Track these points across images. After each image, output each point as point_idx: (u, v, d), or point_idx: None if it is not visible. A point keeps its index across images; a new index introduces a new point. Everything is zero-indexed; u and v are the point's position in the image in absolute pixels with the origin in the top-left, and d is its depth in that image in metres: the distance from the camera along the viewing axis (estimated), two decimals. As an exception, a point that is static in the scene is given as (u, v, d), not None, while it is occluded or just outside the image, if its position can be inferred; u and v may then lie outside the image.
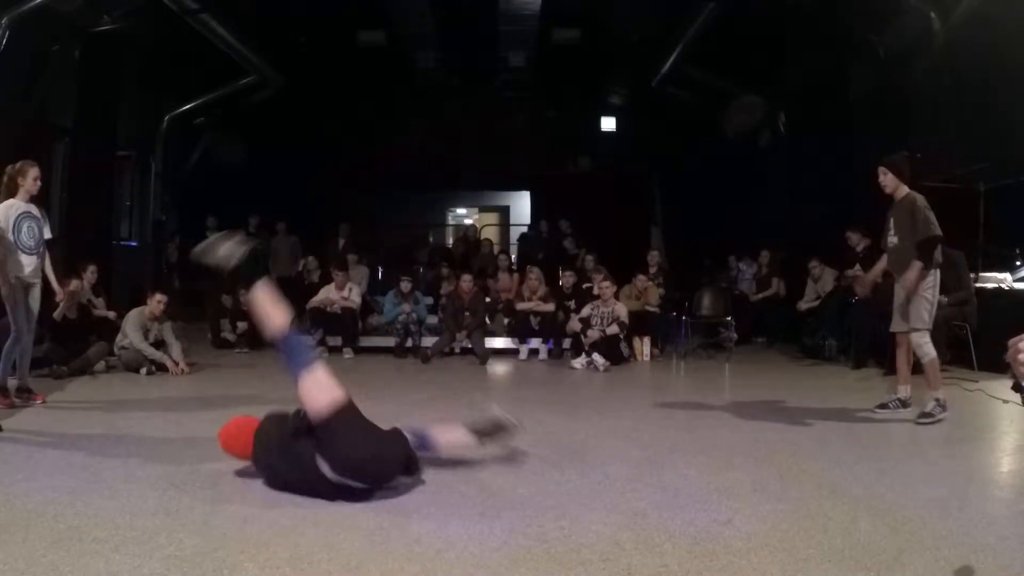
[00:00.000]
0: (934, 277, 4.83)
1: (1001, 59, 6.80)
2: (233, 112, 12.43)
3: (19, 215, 5.06)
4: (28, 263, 5.09)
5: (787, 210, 11.02)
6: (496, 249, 11.63)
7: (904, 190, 4.92)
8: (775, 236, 10.66)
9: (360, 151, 13.80)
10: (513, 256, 11.93)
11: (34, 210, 5.19)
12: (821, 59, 9.89)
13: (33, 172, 5.10)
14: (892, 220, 4.99)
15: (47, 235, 5.32)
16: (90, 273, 7.72)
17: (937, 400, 4.72)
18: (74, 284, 6.89)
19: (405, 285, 8.85)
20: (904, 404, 4.97)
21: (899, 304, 4.93)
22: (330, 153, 13.58)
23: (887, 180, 4.92)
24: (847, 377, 6.93)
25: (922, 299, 4.77)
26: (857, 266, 8.14)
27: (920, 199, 4.82)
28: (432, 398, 5.96)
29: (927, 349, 4.76)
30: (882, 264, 5.18)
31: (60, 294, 5.92)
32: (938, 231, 4.73)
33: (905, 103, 8.41)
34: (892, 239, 4.99)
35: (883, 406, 5.04)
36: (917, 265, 4.73)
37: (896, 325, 4.99)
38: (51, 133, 8.95)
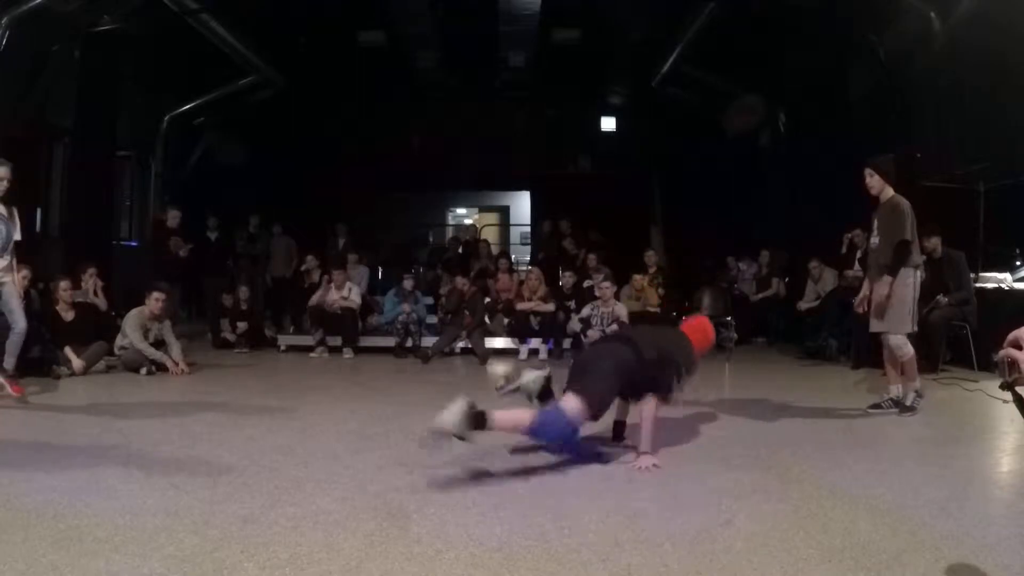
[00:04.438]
0: (913, 277, 4.82)
1: (1001, 59, 6.79)
2: (233, 112, 12.42)
3: None
4: None
5: (787, 210, 11.02)
6: (496, 250, 11.62)
7: (889, 192, 4.90)
8: (775, 236, 10.66)
9: (360, 151, 13.78)
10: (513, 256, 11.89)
11: (3, 210, 5.13)
12: (821, 59, 9.89)
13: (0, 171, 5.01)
14: (876, 222, 5.01)
15: (16, 236, 5.23)
16: (88, 275, 7.70)
17: (916, 392, 4.86)
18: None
19: (408, 283, 8.85)
20: (897, 403, 4.97)
21: (878, 305, 4.92)
22: (330, 153, 13.57)
23: (873, 182, 4.91)
24: (847, 377, 6.91)
25: (900, 303, 4.76)
26: (857, 266, 8.16)
27: (904, 204, 4.80)
28: (432, 398, 5.92)
29: (906, 349, 4.81)
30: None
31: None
32: (906, 235, 4.74)
33: (905, 103, 8.40)
34: (874, 239, 5.02)
35: (876, 406, 5.05)
36: (887, 280, 4.75)
37: (875, 326, 5.00)
38: (51, 133, 8.96)
